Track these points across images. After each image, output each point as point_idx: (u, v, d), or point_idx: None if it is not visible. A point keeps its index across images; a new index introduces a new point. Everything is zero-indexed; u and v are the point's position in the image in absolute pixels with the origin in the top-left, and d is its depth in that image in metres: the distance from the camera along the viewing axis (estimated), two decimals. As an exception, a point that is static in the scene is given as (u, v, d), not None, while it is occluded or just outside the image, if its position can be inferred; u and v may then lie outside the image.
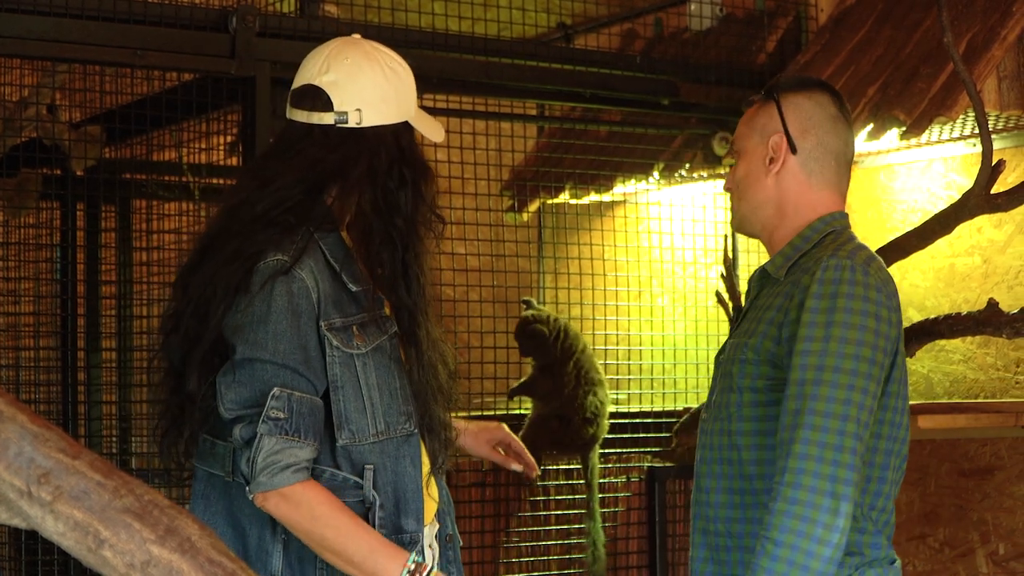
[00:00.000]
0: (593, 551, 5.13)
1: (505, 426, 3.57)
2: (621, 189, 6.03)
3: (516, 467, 3.52)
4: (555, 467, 5.33)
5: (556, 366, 5.09)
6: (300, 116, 3.02)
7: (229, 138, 5.34)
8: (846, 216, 3.16)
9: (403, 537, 2.98)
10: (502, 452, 3.53)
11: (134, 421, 5.61)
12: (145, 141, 5.71)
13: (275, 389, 2.83)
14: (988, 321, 4.42)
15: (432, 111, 5.20)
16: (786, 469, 2.81)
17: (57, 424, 1.76)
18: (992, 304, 4.43)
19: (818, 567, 2.77)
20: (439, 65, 4.94)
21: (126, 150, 5.87)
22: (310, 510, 2.81)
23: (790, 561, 2.76)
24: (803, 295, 2.94)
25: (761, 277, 3.17)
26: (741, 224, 3.24)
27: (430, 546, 3.12)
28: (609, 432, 5.24)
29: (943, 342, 5.29)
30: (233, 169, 5.35)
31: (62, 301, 5.92)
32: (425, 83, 4.96)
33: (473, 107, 5.34)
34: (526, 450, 3.55)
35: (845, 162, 3.17)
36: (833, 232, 3.10)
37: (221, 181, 5.55)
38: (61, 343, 5.91)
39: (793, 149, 3.11)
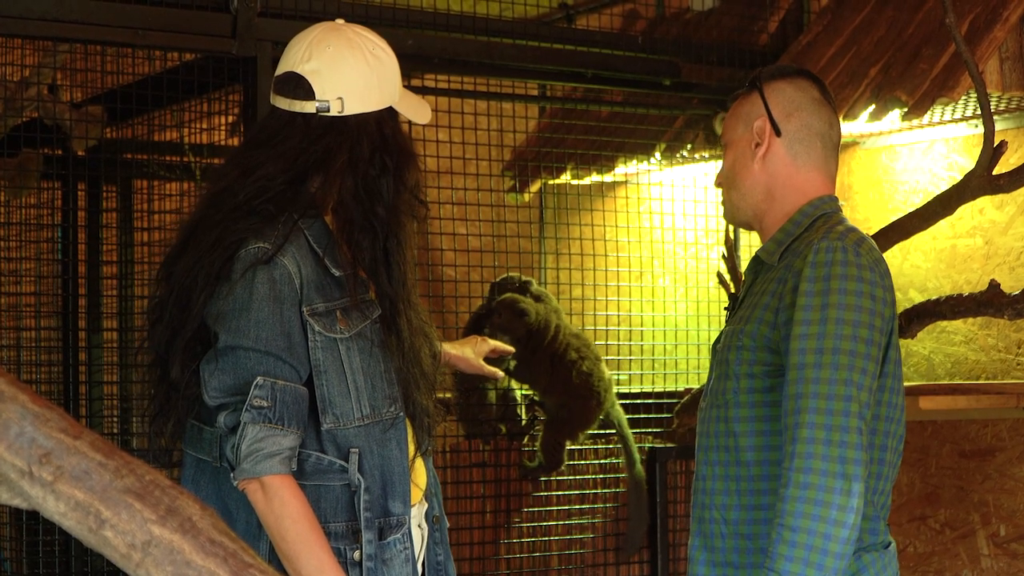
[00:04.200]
0: (636, 494, 5.17)
1: (477, 337, 3.81)
2: (623, 170, 6.03)
3: (499, 373, 3.84)
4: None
5: (529, 355, 5.09)
6: (283, 104, 3.02)
7: (230, 118, 5.33)
8: (836, 199, 3.17)
9: (390, 520, 2.99)
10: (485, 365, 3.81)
11: (135, 401, 5.62)
12: (146, 121, 5.70)
13: (258, 378, 2.84)
14: (989, 302, 4.42)
15: (433, 91, 5.19)
16: (794, 454, 2.81)
17: (58, 404, 1.75)
18: (993, 285, 4.43)
19: (837, 549, 2.78)
20: (440, 45, 4.93)
21: (127, 130, 5.86)
22: (280, 507, 2.82)
23: (808, 546, 2.77)
24: (796, 279, 2.94)
25: (755, 264, 3.18)
26: (733, 214, 3.26)
27: (419, 526, 3.14)
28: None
29: (944, 323, 5.28)
30: (234, 149, 5.35)
31: (63, 281, 5.93)
32: (426, 63, 4.98)
33: (475, 87, 5.33)
34: (497, 344, 3.84)
35: (831, 144, 3.19)
36: (824, 215, 3.11)
37: (222, 161, 5.55)
38: (62, 323, 5.92)
39: (777, 131, 3.13)
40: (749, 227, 3.26)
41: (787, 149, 3.13)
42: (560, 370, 5.09)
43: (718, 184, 3.27)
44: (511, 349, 3.91)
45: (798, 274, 2.95)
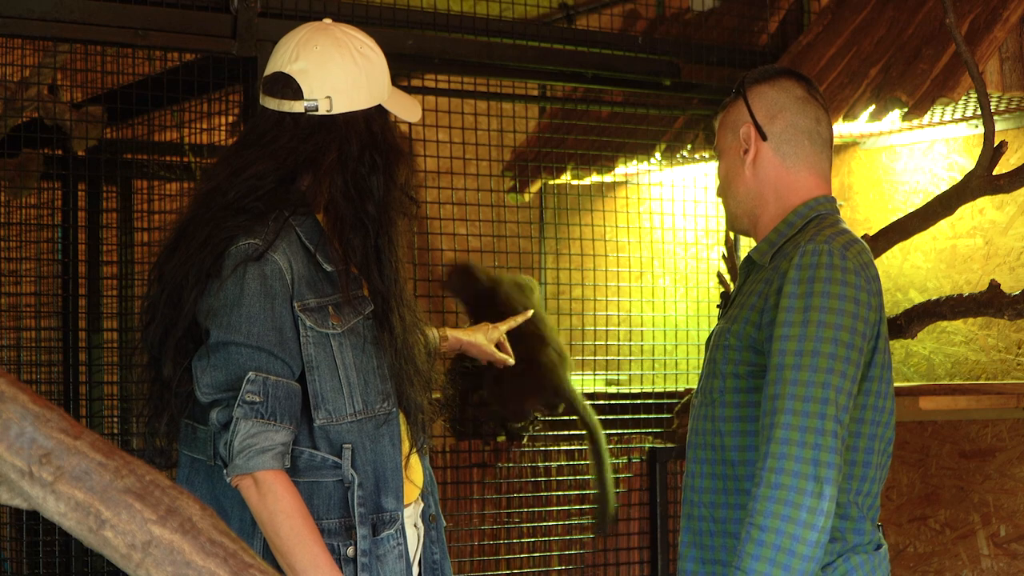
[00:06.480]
0: (603, 497, 5.01)
1: (488, 324, 3.89)
2: (623, 170, 6.03)
3: (510, 359, 3.93)
4: (557, 448, 5.33)
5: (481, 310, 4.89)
6: (271, 104, 3.04)
7: (230, 118, 5.33)
8: (833, 200, 3.15)
9: (383, 516, 3.00)
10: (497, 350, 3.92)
11: (134, 402, 5.62)
12: (146, 121, 5.70)
13: (250, 373, 2.85)
14: (990, 303, 4.42)
15: (433, 91, 5.19)
16: (768, 454, 2.81)
17: (58, 404, 1.75)
18: (994, 285, 4.43)
19: (804, 551, 2.77)
20: (441, 45, 4.93)
21: (127, 130, 5.87)
22: (273, 503, 2.83)
23: (776, 546, 2.76)
24: (781, 280, 2.95)
25: (747, 264, 3.19)
26: (733, 223, 3.28)
27: (415, 525, 3.14)
28: (610, 413, 5.23)
29: (945, 323, 5.28)
30: (225, 150, 5.36)
31: (63, 281, 5.93)
32: (426, 63, 4.98)
33: (475, 87, 5.34)
34: (503, 338, 3.93)
35: (821, 141, 3.16)
36: (818, 217, 3.10)
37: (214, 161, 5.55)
38: (62, 324, 5.92)
39: (763, 135, 3.12)
40: (749, 233, 3.27)
41: (775, 151, 3.13)
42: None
43: (719, 195, 3.29)
44: (517, 323, 3.97)
45: (783, 275, 2.95)
